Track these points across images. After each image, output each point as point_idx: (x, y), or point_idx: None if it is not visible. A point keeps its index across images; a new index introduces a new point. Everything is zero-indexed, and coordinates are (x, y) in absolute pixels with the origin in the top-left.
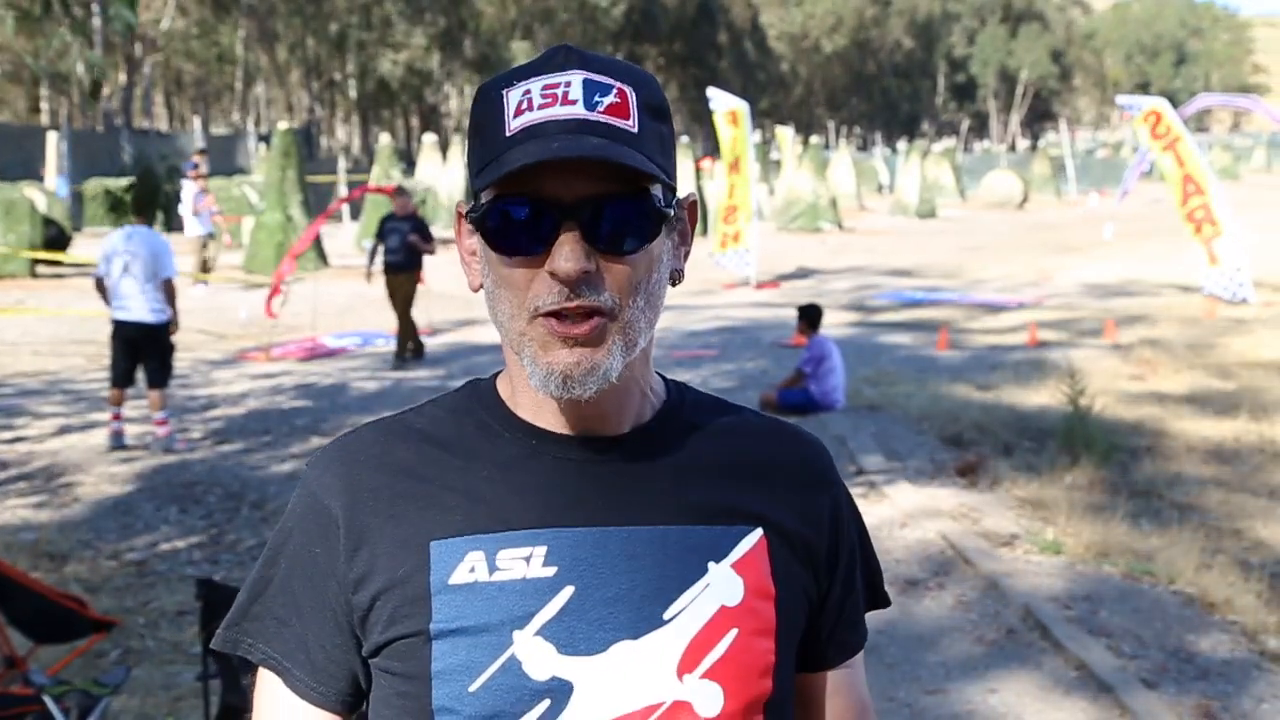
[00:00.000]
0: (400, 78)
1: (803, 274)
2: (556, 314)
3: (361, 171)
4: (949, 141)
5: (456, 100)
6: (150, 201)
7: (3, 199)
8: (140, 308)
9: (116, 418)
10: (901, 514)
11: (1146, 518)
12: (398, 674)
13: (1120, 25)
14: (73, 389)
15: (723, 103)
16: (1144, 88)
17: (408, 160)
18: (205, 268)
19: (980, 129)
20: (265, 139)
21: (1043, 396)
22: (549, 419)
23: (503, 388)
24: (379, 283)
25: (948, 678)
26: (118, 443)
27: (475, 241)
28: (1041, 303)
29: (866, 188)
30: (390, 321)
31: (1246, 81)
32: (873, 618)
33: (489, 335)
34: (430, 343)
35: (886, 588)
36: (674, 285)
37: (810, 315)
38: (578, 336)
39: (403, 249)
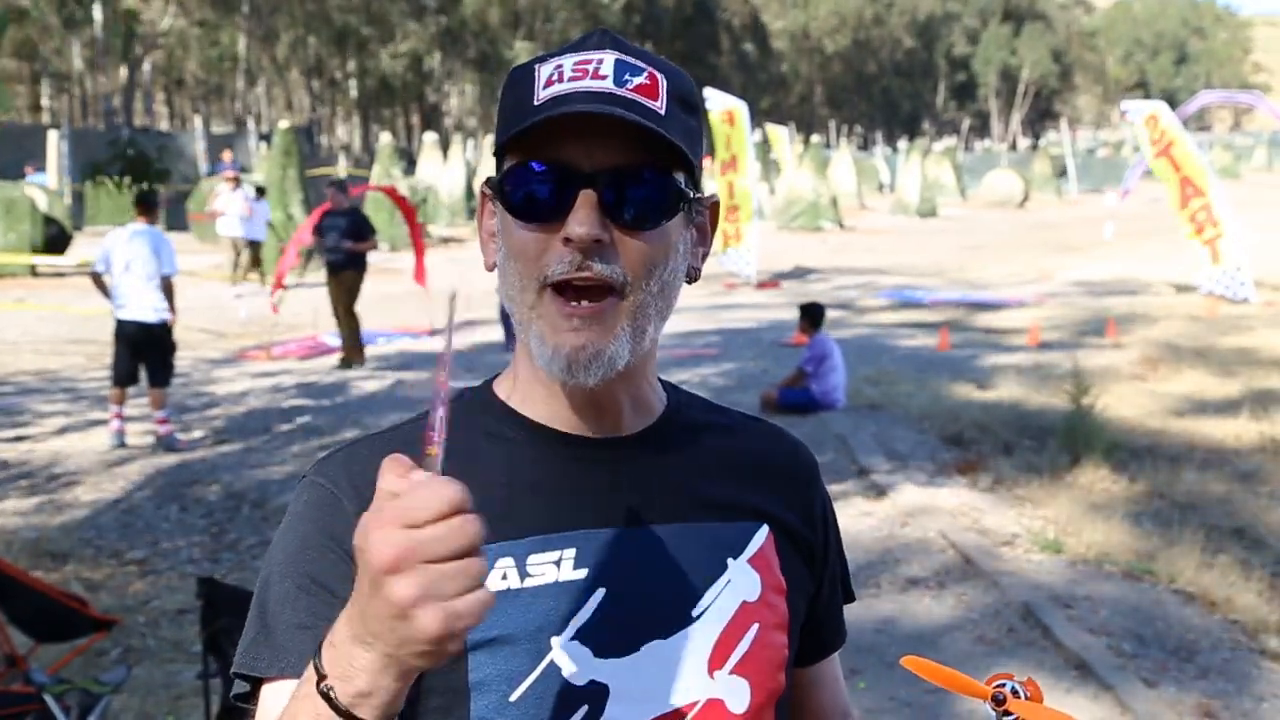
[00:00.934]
0: (401, 75)
1: (803, 273)
2: (566, 286)
3: (363, 168)
4: (950, 141)
5: (457, 99)
6: (153, 201)
7: (3, 198)
8: (141, 307)
9: (117, 416)
10: (902, 513)
11: (1147, 517)
12: (431, 689)
13: (1121, 24)
14: (73, 388)
15: (719, 103)
16: (1143, 86)
17: (408, 159)
18: (247, 272)
19: (981, 128)
20: (266, 138)
21: (1044, 396)
22: (561, 419)
23: (502, 390)
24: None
25: None
26: (118, 441)
27: (495, 223)
28: (1042, 302)
29: (867, 187)
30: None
31: (1247, 80)
32: (872, 617)
33: (492, 334)
34: (433, 342)
35: (887, 586)
36: (690, 282)
37: (811, 314)
38: (584, 314)
39: (341, 247)
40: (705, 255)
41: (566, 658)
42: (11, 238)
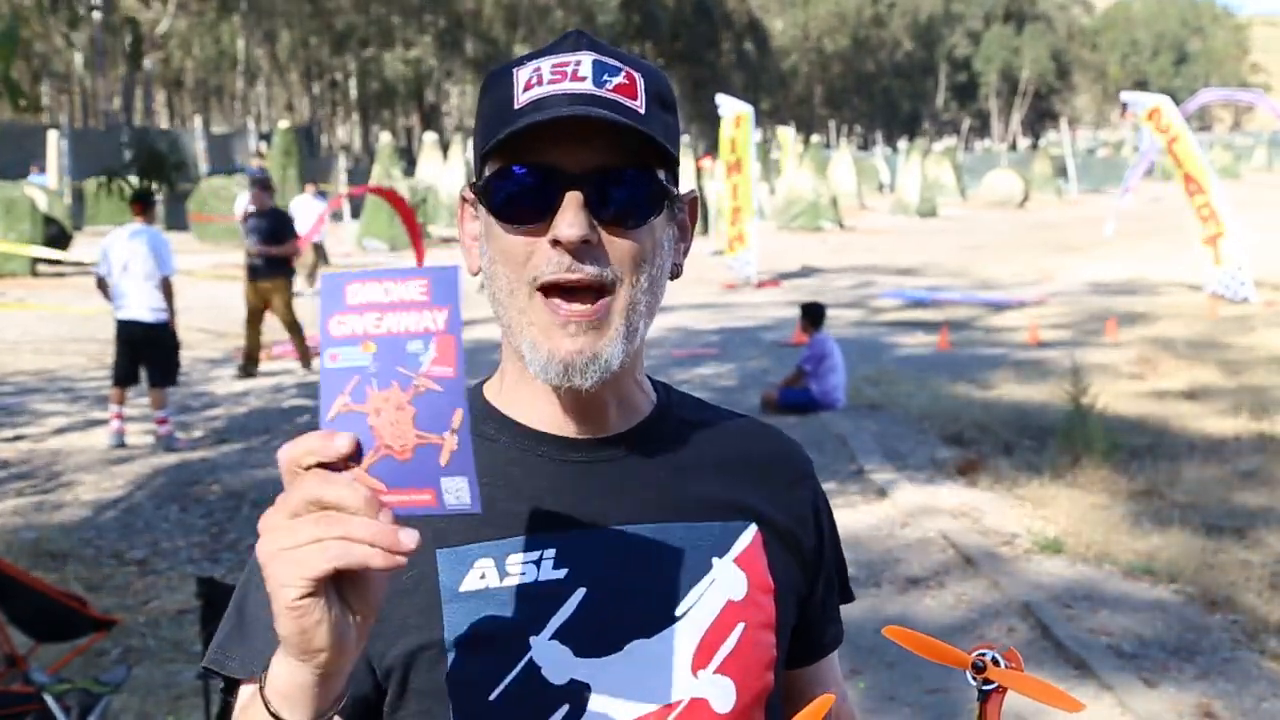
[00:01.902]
0: (401, 75)
1: (804, 273)
2: (555, 288)
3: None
4: (950, 140)
5: (457, 99)
6: (151, 200)
7: (3, 197)
8: (140, 306)
9: (117, 416)
10: (902, 513)
11: (1147, 517)
12: (412, 688)
13: (1121, 24)
14: (73, 388)
15: (730, 108)
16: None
17: (408, 159)
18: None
19: (981, 128)
20: (266, 138)
21: (1044, 395)
22: (547, 421)
23: (490, 392)
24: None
25: (948, 677)
26: (118, 441)
27: (478, 226)
28: (1043, 301)
29: (867, 187)
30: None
31: (1246, 81)
32: (873, 617)
33: (491, 333)
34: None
35: (887, 586)
36: (673, 279)
37: (812, 314)
38: (581, 319)
39: (262, 252)
40: (686, 251)
41: (545, 657)
42: (12, 238)
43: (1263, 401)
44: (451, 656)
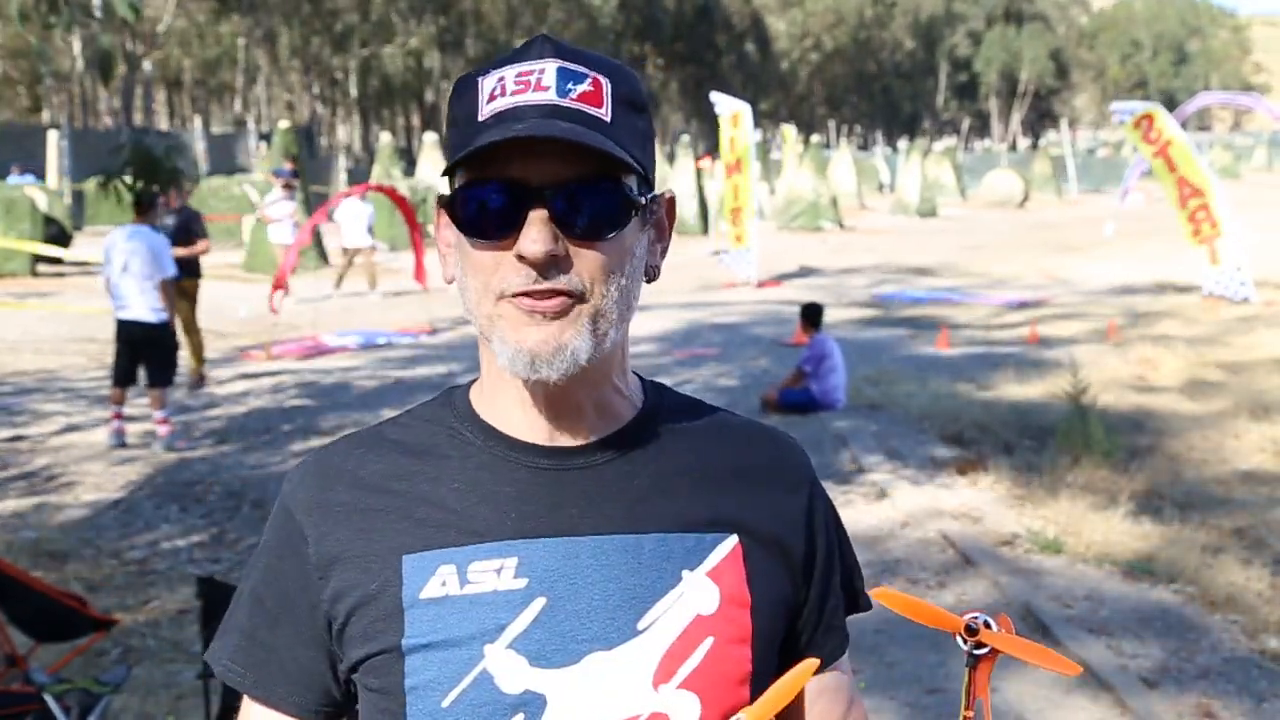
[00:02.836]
0: (401, 74)
1: (804, 273)
2: (524, 297)
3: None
4: (950, 140)
5: None
6: (151, 200)
7: (3, 198)
8: (140, 307)
9: (117, 416)
10: (902, 513)
11: (1147, 516)
12: (375, 690)
13: (1120, 24)
14: (73, 388)
15: (726, 106)
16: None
17: (409, 159)
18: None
19: (981, 128)
20: (266, 137)
21: (1044, 395)
22: (522, 426)
23: (475, 394)
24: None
25: (948, 677)
26: (118, 441)
27: (452, 233)
28: (1043, 301)
29: (867, 187)
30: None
31: (1246, 80)
32: (872, 617)
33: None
34: (434, 341)
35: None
36: (649, 281)
37: (811, 314)
38: (545, 311)
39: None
40: (664, 251)
41: (500, 666)
42: (12, 237)
43: (1263, 402)
44: (409, 660)
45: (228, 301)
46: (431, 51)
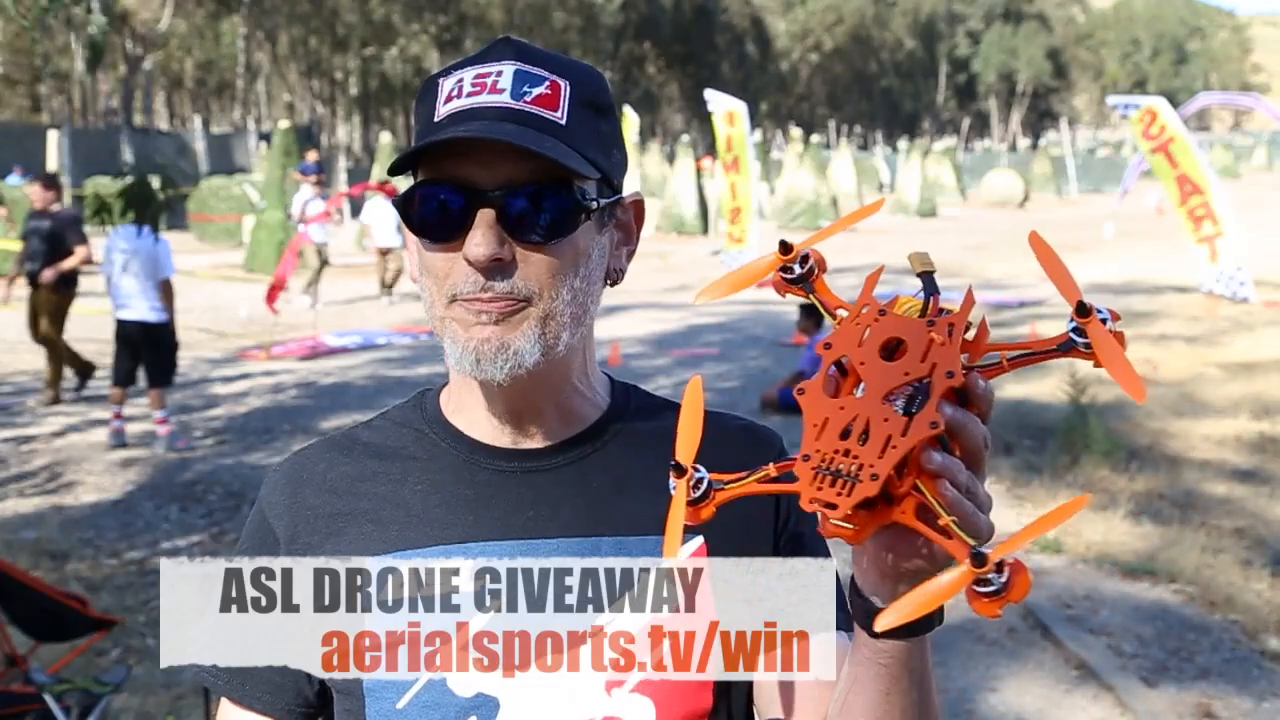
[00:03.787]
0: (401, 74)
1: None
2: (474, 301)
3: (362, 168)
4: (950, 140)
5: None
6: (147, 204)
7: (4, 198)
8: (140, 306)
9: (117, 416)
10: None
11: (1147, 517)
12: (340, 690)
13: (1120, 24)
14: (73, 387)
15: (720, 104)
16: (1142, 86)
17: None
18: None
19: (981, 128)
20: (266, 137)
21: (1044, 395)
22: (485, 429)
23: (444, 398)
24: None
25: (948, 677)
26: (118, 441)
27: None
28: (1043, 301)
29: (867, 186)
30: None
31: (1246, 80)
32: None
33: None
34: (433, 341)
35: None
36: (612, 285)
37: (812, 314)
38: (490, 312)
39: (41, 255)
40: (631, 254)
41: (453, 669)
42: (12, 237)
43: (1263, 402)
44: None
45: (228, 301)
46: (430, 53)
